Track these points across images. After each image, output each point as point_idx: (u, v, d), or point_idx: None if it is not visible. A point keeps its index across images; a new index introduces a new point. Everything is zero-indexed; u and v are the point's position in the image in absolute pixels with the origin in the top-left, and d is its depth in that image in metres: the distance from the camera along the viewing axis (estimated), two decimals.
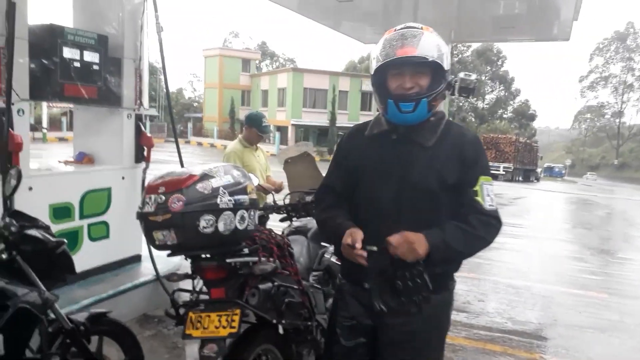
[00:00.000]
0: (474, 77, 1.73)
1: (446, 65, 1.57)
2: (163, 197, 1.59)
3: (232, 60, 42.55)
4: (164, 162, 9.19)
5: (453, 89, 1.67)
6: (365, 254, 1.50)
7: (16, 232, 1.55)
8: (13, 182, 1.61)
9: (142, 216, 1.62)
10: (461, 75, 1.71)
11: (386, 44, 1.57)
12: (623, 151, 65.18)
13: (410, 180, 1.58)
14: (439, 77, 1.57)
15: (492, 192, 1.62)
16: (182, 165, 3.41)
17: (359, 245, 1.50)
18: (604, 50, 65.86)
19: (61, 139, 26.28)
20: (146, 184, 1.75)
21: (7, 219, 1.63)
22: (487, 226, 1.58)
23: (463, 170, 1.58)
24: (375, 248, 1.50)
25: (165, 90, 4.07)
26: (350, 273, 1.69)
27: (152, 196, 1.60)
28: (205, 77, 44.91)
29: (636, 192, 29.24)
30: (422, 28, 1.60)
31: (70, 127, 30.22)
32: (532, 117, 57.28)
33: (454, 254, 1.56)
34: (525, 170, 34.59)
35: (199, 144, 36.64)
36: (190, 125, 42.37)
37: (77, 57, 3.17)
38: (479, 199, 1.57)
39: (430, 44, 1.54)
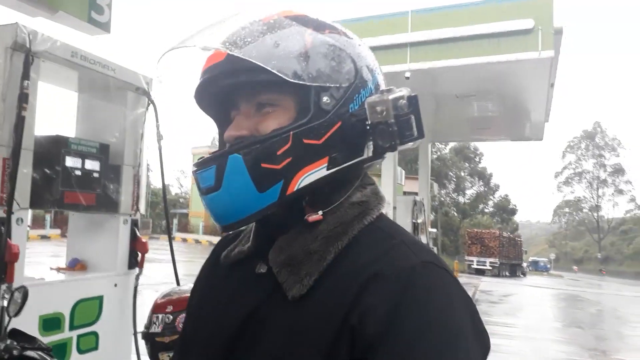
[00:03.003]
0: (398, 91, 0.71)
1: (313, 70, 0.71)
2: (171, 317, 1.56)
3: None
4: (151, 260, 9.01)
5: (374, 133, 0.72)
6: None
7: (17, 356, 1.49)
8: (18, 301, 1.57)
9: (148, 337, 1.58)
10: (370, 98, 0.72)
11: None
12: (605, 245, 65.99)
13: None
14: (301, 105, 0.72)
15: None
16: (177, 281, 3.37)
17: None
18: (575, 147, 69.20)
19: (43, 237, 25.80)
20: (153, 302, 1.73)
21: (9, 341, 1.57)
22: None
23: None
24: None
25: (162, 188, 4.12)
26: None
27: (159, 315, 1.57)
28: None
29: (623, 287, 29.15)
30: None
31: (53, 225, 29.86)
32: (513, 212, 58.40)
33: None
34: (512, 264, 34.59)
35: (184, 240, 36.21)
36: (175, 221, 42.16)
37: (79, 166, 3.24)
38: None
39: (256, 32, 0.72)
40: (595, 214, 68.60)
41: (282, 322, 0.69)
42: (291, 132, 0.69)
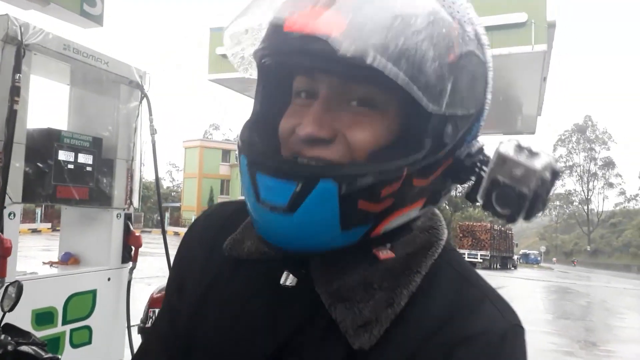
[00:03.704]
0: (547, 159, 0.53)
1: (440, 98, 0.51)
2: None
3: (212, 151, 43.47)
4: (142, 254, 8.98)
5: (472, 180, 0.60)
6: None
7: (12, 351, 1.49)
8: (13, 296, 1.56)
9: (144, 332, 1.58)
10: (503, 147, 0.55)
11: None
12: (594, 237, 66.71)
13: None
14: (417, 130, 0.53)
15: None
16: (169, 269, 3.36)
17: None
18: (566, 141, 69.70)
19: (34, 231, 25.63)
20: (149, 296, 1.73)
21: (3, 336, 1.58)
22: None
23: None
24: None
25: (155, 182, 4.11)
26: None
27: (156, 310, 1.57)
28: (185, 167, 45.43)
29: (613, 279, 29.53)
30: None
31: (44, 219, 29.66)
32: None
33: None
34: (502, 257, 34.87)
35: (176, 233, 36.08)
36: (167, 214, 42.03)
37: (72, 160, 3.22)
38: None
39: (390, 20, 0.48)
40: (585, 207, 69.31)
41: None
42: (405, 170, 0.52)
